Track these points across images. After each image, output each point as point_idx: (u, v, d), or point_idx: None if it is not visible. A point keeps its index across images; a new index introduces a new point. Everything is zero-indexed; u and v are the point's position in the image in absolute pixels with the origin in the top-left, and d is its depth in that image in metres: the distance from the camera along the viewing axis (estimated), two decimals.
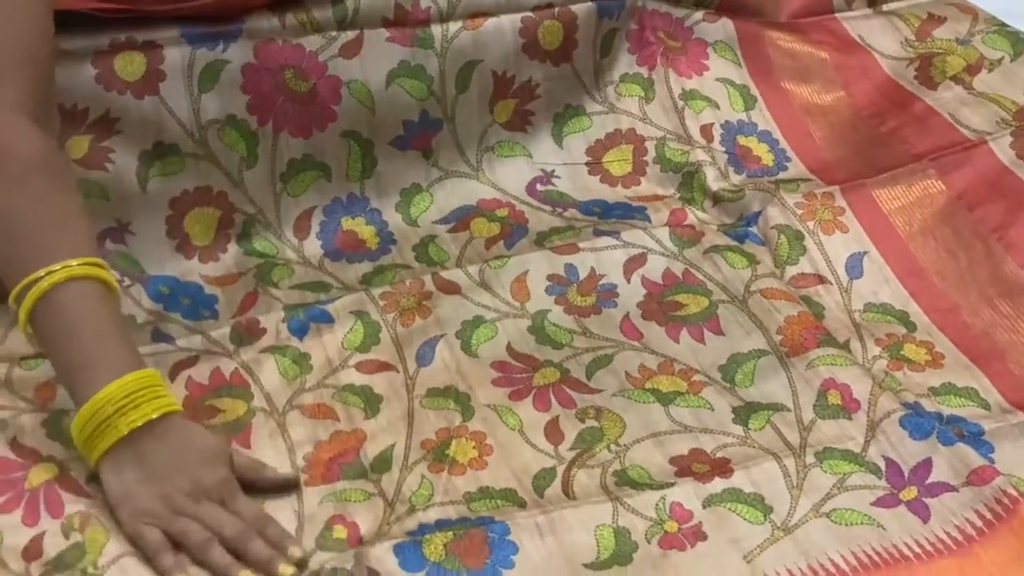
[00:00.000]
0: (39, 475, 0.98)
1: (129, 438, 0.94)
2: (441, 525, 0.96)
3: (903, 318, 1.16)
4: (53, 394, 1.05)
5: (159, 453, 0.95)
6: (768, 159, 1.33)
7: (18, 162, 0.97)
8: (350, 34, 1.22)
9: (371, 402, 1.07)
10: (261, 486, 1.00)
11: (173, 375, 1.08)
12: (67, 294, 0.95)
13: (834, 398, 1.06)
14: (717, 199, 1.28)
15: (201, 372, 1.08)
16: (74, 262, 0.96)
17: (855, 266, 1.21)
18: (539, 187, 1.30)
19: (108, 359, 0.96)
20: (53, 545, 0.93)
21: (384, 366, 1.11)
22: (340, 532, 0.96)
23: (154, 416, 0.95)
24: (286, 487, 1.01)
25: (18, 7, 1.01)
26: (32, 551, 0.93)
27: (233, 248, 1.20)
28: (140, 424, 0.94)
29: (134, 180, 1.15)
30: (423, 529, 0.96)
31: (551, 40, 1.30)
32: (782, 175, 1.31)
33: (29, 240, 0.97)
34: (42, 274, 0.95)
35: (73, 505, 0.96)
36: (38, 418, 1.03)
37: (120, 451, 0.95)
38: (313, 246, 1.23)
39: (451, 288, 1.18)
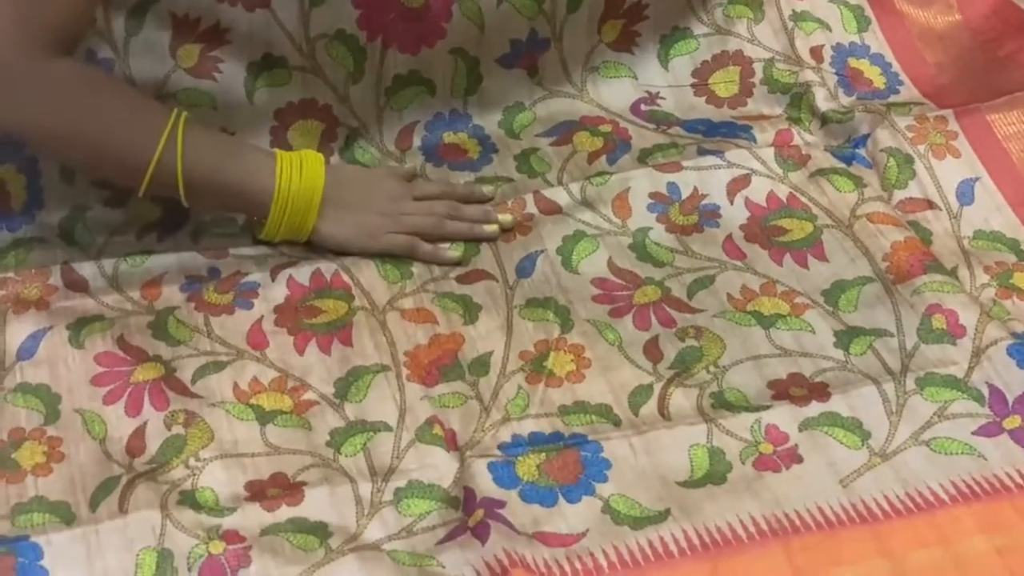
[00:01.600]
0: (145, 373, 1.01)
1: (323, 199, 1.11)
2: (534, 441, 0.97)
3: (1014, 246, 1.14)
4: (159, 293, 1.08)
5: (349, 190, 1.13)
6: (880, 82, 1.30)
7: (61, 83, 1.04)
8: None
9: (470, 309, 1.08)
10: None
11: (274, 274, 1.10)
12: (196, 134, 1.06)
13: (939, 323, 1.05)
14: (825, 120, 1.25)
15: (302, 273, 1.10)
16: (173, 115, 1.06)
17: (966, 192, 1.18)
18: (643, 107, 1.29)
19: (263, 157, 1.10)
20: (154, 435, 0.97)
21: (484, 275, 1.12)
22: (438, 431, 0.98)
23: (323, 161, 1.12)
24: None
25: None
26: (135, 447, 0.96)
27: (335, 160, 1.21)
28: (324, 174, 1.11)
29: (241, 91, 1.16)
30: (516, 443, 0.97)
31: None
32: (894, 98, 1.29)
33: (131, 125, 1.06)
34: (169, 131, 1.04)
35: (178, 403, 0.99)
36: (144, 320, 1.06)
37: (323, 211, 1.11)
38: (415, 156, 1.23)
39: (552, 208, 1.17)
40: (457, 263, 1.12)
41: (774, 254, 1.13)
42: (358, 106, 1.22)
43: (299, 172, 1.10)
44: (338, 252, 1.12)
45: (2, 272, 1.09)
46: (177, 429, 0.97)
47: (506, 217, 1.15)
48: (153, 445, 0.96)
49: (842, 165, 1.22)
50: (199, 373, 1.02)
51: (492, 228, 1.14)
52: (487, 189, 1.19)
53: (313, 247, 1.13)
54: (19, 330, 1.04)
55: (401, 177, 1.18)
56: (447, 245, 1.14)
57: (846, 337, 1.05)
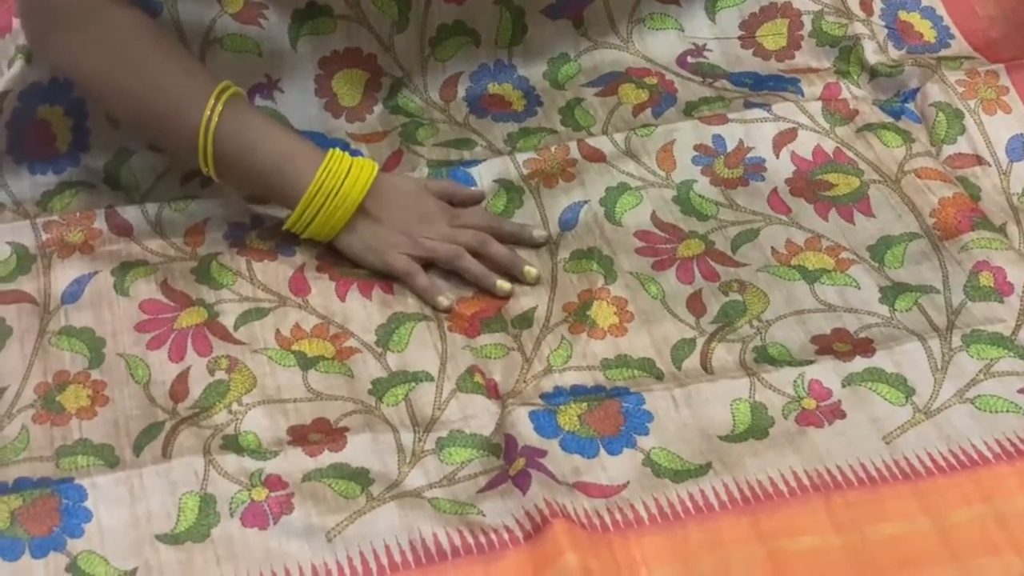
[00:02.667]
0: (189, 319, 1.02)
1: (359, 209, 1.05)
2: (576, 392, 0.97)
3: None
4: (202, 239, 1.09)
5: (382, 205, 1.06)
6: (930, 35, 1.28)
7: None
8: None
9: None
10: (460, 199, 1.12)
11: None
12: (238, 110, 1.05)
13: (986, 280, 1.04)
14: (874, 73, 1.24)
15: None
16: (220, 86, 1.04)
17: (1016, 148, 1.16)
18: (690, 59, 1.27)
19: (303, 148, 1.06)
20: (197, 380, 0.97)
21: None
22: (479, 379, 0.99)
23: (375, 174, 1.05)
24: (477, 198, 1.12)
25: None
26: (179, 391, 0.96)
27: (379, 109, 1.21)
28: (368, 187, 1.05)
29: (285, 38, 1.16)
30: (558, 394, 0.97)
31: None
32: (944, 52, 1.27)
33: (176, 88, 1.05)
34: (213, 101, 1.03)
35: (221, 349, 1.00)
36: (188, 265, 1.07)
37: (351, 221, 1.05)
38: (459, 107, 1.23)
39: (596, 156, 1.17)
40: (446, 311, 1.04)
41: (819, 208, 1.12)
42: (402, 56, 1.21)
43: (342, 176, 1.04)
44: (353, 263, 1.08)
45: (47, 215, 1.10)
46: (220, 375, 0.97)
47: (531, 271, 1.06)
48: (196, 390, 0.96)
49: (890, 120, 1.20)
50: (241, 320, 1.02)
51: (504, 286, 1.04)
52: (538, 235, 1.09)
53: None
54: (64, 274, 1.05)
55: (448, 201, 1.11)
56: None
57: (892, 293, 1.04)
